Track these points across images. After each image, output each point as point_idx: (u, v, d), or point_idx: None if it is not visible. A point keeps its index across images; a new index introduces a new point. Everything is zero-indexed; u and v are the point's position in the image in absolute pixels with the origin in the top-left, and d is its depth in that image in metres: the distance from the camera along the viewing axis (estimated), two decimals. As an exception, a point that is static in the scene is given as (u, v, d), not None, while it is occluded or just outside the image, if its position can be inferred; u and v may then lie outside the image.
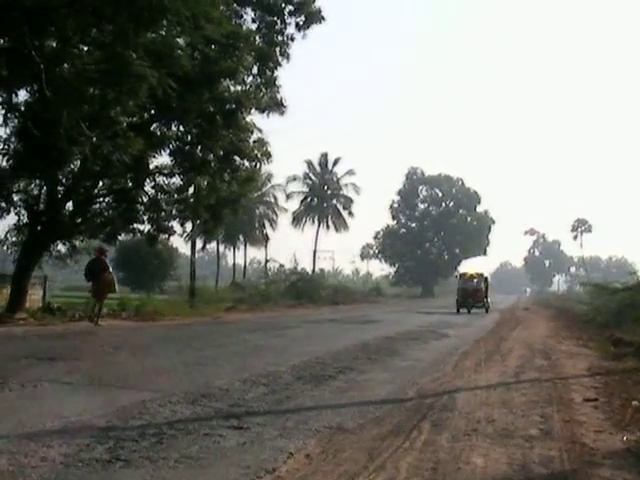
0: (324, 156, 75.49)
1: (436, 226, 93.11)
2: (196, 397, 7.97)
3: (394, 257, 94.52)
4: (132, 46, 17.05)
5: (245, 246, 68.22)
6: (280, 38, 24.19)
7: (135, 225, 24.53)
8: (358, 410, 7.63)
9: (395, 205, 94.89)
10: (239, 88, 23.64)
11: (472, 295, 39.55)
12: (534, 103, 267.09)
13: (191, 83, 19.98)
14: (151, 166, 23.66)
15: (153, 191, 24.20)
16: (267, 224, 67.16)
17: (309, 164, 75.31)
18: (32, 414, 6.82)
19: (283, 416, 7.16)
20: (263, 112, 24.35)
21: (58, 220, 22.50)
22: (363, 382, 9.83)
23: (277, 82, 24.72)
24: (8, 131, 20.64)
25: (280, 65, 24.37)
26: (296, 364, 11.40)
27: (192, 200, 24.81)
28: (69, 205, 23.40)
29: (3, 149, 20.67)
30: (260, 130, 25.41)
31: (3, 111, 19.95)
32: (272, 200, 67.38)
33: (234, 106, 22.70)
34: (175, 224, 25.60)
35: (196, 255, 42.32)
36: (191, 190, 25.23)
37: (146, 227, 24.60)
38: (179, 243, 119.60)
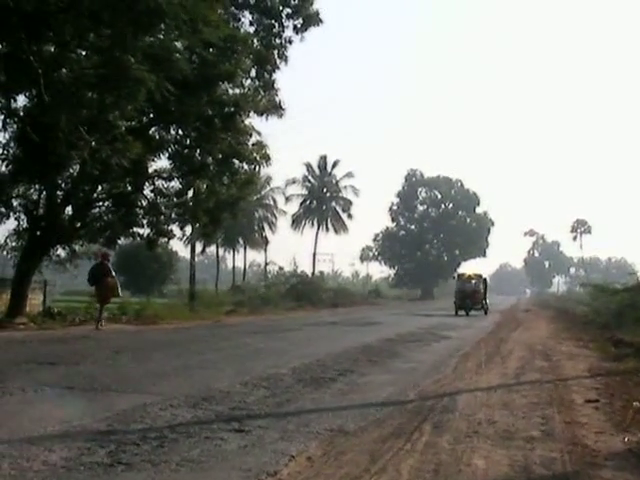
0: (323, 159, 75.63)
1: (435, 228, 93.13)
2: (197, 400, 7.97)
3: (393, 259, 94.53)
4: (130, 50, 17.06)
5: (245, 249, 68.23)
6: (278, 41, 24.24)
7: (134, 229, 24.48)
8: (359, 412, 7.64)
9: (394, 207, 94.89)
10: (237, 91, 23.63)
11: (470, 297, 38.75)
12: (533, 104, 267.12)
13: (189, 87, 19.96)
14: (150, 170, 23.64)
15: (152, 195, 24.18)
16: (266, 227, 67.21)
17: (308, 167, 75.42)
18: (33, 418, 6.82)
19: (284, 419, 7.16)
20: (262, 115, 24.34)
21: (58, 224, 22.48)
22: (364, 384, 9.84)
23: (275, 85, 24.79)
24: (7, 136, 20.68)
25: (278, 68, 24.43)
26: (297, 367, 11.40)
27: (191, 203, 24.79)
28: (68, 209, 23.40)
29: (2, 154, 20.68)
30: (259, 133, 25.44)
31: (2, 116, 19.97)
32: (271, 203, 67.46)
33: (233, 109, 22.67)
34: (174, 228, 25.61)
35: (196, 258, 42.43)
36: (190, 193, 25.21)
37: (145, 231, 24.56)
38: (179, 247, 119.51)
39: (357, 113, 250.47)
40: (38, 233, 22.28)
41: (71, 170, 22.27)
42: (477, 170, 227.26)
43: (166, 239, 26.63)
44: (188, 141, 23.91)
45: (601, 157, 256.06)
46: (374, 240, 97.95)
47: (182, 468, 5.21)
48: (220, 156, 23.59)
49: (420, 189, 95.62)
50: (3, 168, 20.93)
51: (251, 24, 24.24)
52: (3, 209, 21.73)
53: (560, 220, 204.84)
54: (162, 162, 24.13)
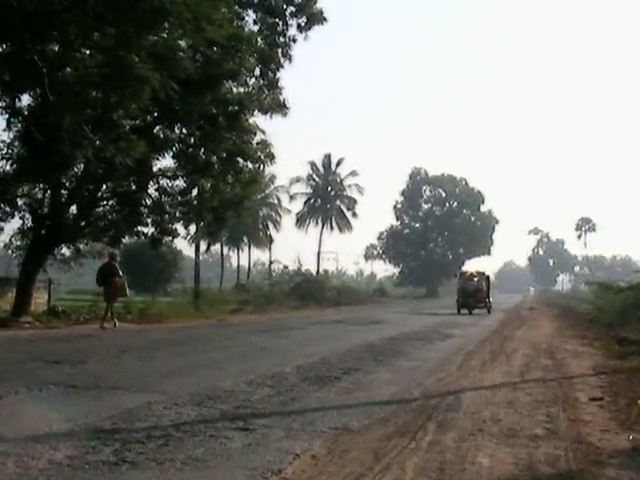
0: (327, 157, 75.72)
1: (440, 226, 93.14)
2: (202, 399, 7.98)
3: (398, 257, 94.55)
4: (134, 49, 17.05)
5: (249, 248, 68.34)
6: (282, 40, 24.18)
7: (139, 228, 24.54)
8: (364, 411, 7.63)
9: (399, 205, 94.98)
10: (242, 90, 23.63)
11: (473, 295, 37.59)
12: (538, 101, 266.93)
13: (193, 85, 19.98)
14: (154, 169, 23.69)
15: (157, 194, 24.24)
16: (271, 225, 67.30)
17: (312, 165, 75.51)
18: (38, 417, 6.85)
19: (289, 417, 7.16)
20: (266, 114, 24.29)
21: (62, 223, 22.54)
22: (368, 383, 9.83)
23: (279, 83, 24.74)
24: (11, 135, 20.77)
25: (282, 67, 24.36)
26: (301, 365, 11.40)
27: (196, 202, 24.82)
28: (73, 208, 23.49)
29: (7, 153, 20.75)
30: (263, 132, 25.45)
31: (6, 116, 20.04)
32: (275, 202, 67.52)
33: (237, 108, 22.69)
34: (179, 226, 25.68)
35: (200, 257, 42.50)
36: (194, 192, 25.25)
37: (150, 230, 24.61)
38: (183, 245, 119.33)
39: (361, 112, 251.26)
40: (43, 232, 22.35)
41: (75, 169, 22.36)
42: (482, 168, 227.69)
43: (170, 238, 26.65)
44: (192, 140, 23.94)
45: (606, 155, 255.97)
46: (378, 238, 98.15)
47: (187, 467, 5.22)
48: (224, 155, 23.61)
49: (424, 187, 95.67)
50: (8, 167, 21.01)
51: (255, 23, 24.20)
52: (8, 208, 21.79)
53: (565, 218, 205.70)
54: (166, 161, 24.24)
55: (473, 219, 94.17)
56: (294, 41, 24.24)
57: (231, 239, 61.02)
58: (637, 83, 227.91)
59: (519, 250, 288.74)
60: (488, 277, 41.81)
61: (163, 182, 24.15)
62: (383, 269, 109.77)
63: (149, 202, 24.21)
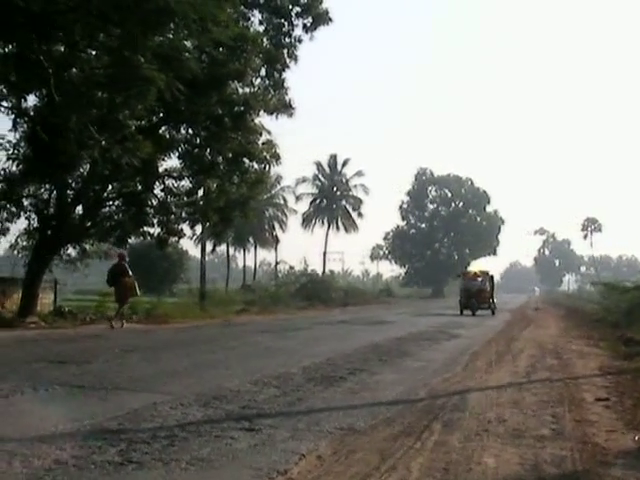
0: (333, 157, 75.73)
1: (446, 226, 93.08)
2: (207, 399, 7.98)
3: (404, 258, 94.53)
4: (140, 50, 17.06)
5: (255, 248, 68.37)
6: (288, 40, 24.19)
7: (145, 228, 24.54)
8: (369, 411, 7.63)
9: (404, 206, 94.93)
10: (247, 90, 23.63)
11: (476, 295, 36.25)
12: (543, 101, 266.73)
13: (199, 86, 19.98)
14: (160, 169, 23.69)
15: (162, 194, 24.24)
16: (277, 226, 67.32)
17: (318, 165, 75.50)
18: (44, 417, 6.86)
19: (294, 417, 7.16)
20: (272, 114, 24.32)
21: (68, 224, 22.57)
22: (374, 383, 9.83)
23: (285, 84, 24.75)
24: (17, 136, 20.78)
25: (288, 67, 24.37)
26: (307, 365, 11.40)
27: (202, 203, 24.83)
28: (79, 209, 23.50)
29: (13, 154, 20.76)
30: (269, 132, 25.43)
31: (12, 116, 20.09)
32: (281, 202, 67.54)
33: (242, 108, 22.68)
34: (185, 227, 25.67)
35: (206, 258, 42.52)
36: (200, 193, 25.26)
37: (156, 230, 24.62)
38: (189, 246, 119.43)
39: (365, 112, 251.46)
40: (49, 232, 22.38)
41: (81, 169, 22.37)
42: (487, 168, 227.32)
43: (176, 238, 26.66)
44: (198, 140, 23.94)
45: (612, 155, 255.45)
46: (384, 239, 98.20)
47: (192, 467, 5.22)
48: (230, 155, 23.62)
49: (430, 188, 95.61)
50: (14, 168, 21.01)
51: (261, 23, 24.22)
52: (14, 208, 21.85)
53: (570, 218, 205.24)
54: (172, 161, 24.22)
55: (479, 219, 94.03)
56: (300, 41, 24.26)
57: (237, 239, 61.03)
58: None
59: (525, 250, 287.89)
60: (492, 277, 40.94)
61: (169, 182, 24.17)
62: (389, 269, 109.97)
63: (155, 202, 24.22)
